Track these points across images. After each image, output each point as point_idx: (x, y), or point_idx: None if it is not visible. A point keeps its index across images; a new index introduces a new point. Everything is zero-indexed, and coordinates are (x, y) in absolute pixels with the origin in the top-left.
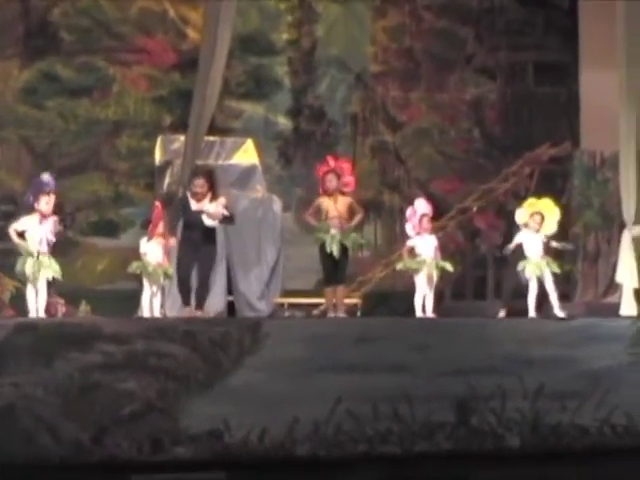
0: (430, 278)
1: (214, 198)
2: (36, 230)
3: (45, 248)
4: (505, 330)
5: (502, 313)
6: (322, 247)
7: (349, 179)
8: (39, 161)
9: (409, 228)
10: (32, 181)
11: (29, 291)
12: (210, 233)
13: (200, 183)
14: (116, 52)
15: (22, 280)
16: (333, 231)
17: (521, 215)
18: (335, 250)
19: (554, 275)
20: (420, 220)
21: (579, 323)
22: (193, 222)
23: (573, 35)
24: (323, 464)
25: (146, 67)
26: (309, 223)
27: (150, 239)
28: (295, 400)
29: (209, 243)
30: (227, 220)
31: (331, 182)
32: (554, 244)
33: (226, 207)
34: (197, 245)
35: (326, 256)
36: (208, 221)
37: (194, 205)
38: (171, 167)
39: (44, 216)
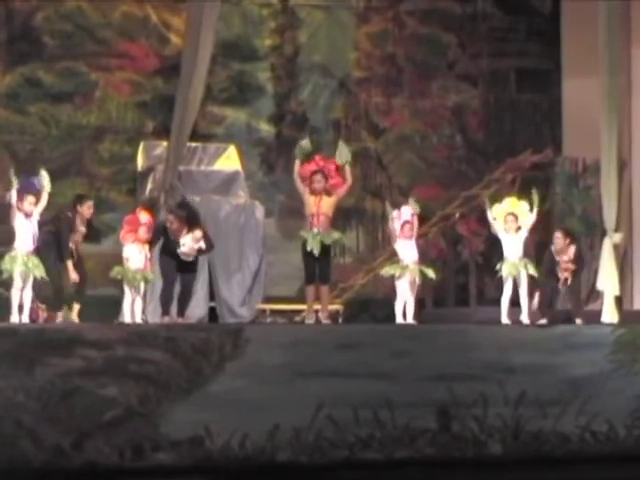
0: (412, 283)
1: (191, 230)
2: (27, 228)
3: (32, 247)
4: (486, 337)
5: (543, 321)
6: (304, 245)
7: (337, 180)
8: (21, 166)
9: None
10: (19, 182)
11: (14, 292)
12: None
13: (170, 219)
14: (99, 57)
15: (6, 282)
16: (315, 230)
17: (497, 221)
18: (316, 248)
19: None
20: (402, 227)
21: (560, 330)
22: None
23: (555, 42)
24: (304, 470)
25: (128, 72)
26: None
27: (124, 243)
28: (276, 406)
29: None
30: (204, 251)
31: (319, 183)
32: None
33: (204, 237)
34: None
35: (308, 255)
36: (183, 256)
37: (172, 236)
38: (153, 173)
39: (27, 215)
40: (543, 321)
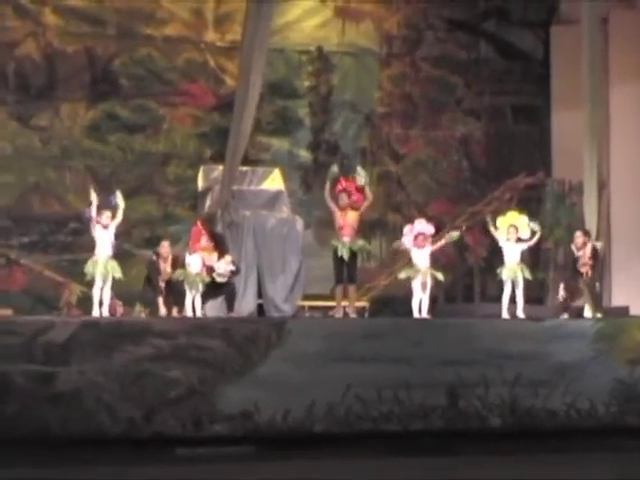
0: (424, 284)
1: (221, 256)
2: (105, 237)
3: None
4: (488, 329)
5: (565, 316)
6: (335, 252)
7: (357, 196)
8: (101, 186)
9: (405, 242)
10: (99, 199)
11: (95, 290)
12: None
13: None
14: (166, 95)
15: (89, 283)
16: (345, 239)
17: (500, 231)
18: (345, 254)
19: (527, 281)
20: (416, 237)
21: (550, 323)
22: None
23: (545, 82)
24: (336, 439)
25: (190, 108)
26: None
27: (191, 253)
28: (313, 386)
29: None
30: (234, 274)
31: (343, 200)
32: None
33: (232, 262)
34: None
35: (338, 260)
36: (219, 278)
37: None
38: (211, 192)
39: (105, 227)
40: (564, 316)
